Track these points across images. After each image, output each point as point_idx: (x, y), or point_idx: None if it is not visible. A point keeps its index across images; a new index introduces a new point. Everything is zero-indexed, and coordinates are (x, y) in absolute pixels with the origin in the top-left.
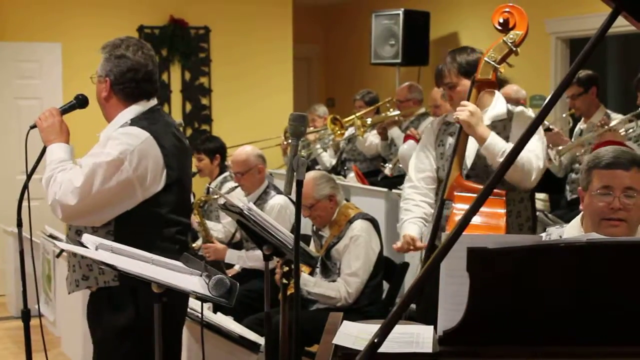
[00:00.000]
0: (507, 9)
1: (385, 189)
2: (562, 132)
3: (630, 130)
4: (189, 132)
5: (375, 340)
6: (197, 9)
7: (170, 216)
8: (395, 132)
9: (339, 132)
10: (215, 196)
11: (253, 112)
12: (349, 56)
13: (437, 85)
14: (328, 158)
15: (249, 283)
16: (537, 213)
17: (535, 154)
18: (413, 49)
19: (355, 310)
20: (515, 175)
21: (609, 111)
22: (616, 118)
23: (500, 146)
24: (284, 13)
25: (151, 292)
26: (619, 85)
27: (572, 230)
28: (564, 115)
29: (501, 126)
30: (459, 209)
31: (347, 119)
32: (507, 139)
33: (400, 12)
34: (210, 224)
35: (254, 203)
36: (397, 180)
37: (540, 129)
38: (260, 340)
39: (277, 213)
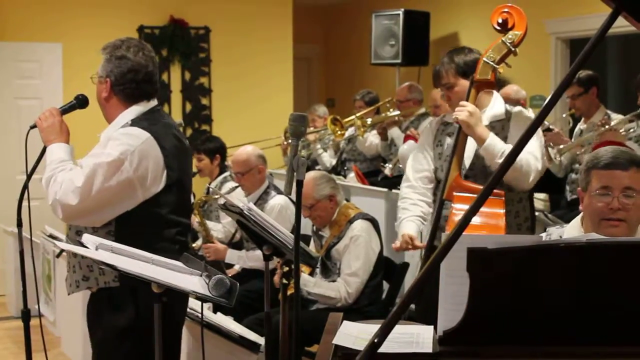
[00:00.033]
0: (505, 9)
1: (385, 189)
2: (562, 132)
3: (631, 130)
4: (189, 132)
5: (375, 340)
6: (197, 9)
7: (171, 216)
8: (395, 132)
9: (339, 132)
10: (216, 196)
11: (253, 112)
12: (349, 56)
13: (435, 85)
14: (328, 158)
15: (249, 283)
16: (537, 213)
17: (533, 156)
18: (413, 49)
19: (355, 310)
20: (514, 176)
21: (609, 111)
22: (616, 118)
23: (499, 147)
24: (284, 13)
25: (151, 292)
26: (619, 85)
27: (573, 231)
28: (564, 115)
29: (499, 126)
30: (458, 209)
31: (347, 119)
32: (505, 139)
33: (401, 12)
34: (210, 224)
35: (255, 203)
36: (397, 180)
37: (539, 130)
38: (260, 340)
39: (277, 213)
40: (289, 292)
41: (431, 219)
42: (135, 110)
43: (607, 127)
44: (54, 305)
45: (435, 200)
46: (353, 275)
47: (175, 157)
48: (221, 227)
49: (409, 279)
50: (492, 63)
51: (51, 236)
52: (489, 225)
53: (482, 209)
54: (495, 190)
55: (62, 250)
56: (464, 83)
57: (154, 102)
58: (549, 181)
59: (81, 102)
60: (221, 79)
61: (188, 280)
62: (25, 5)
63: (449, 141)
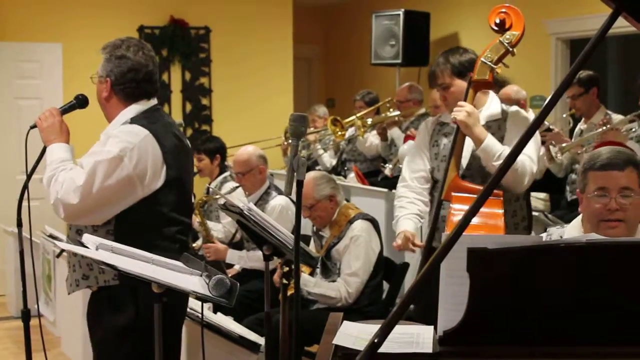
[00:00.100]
0: (503, 10)
1: (385, 189)
2: (562, 132)
3: (632, 130)
4: (189, 132)
5: (375, 341)
6: (197, 9)
7: (171, 215)
8: (395, 133)
9: (339, 133)
10: (216, 196)
11: (253, 113)
12: (349, 56)
13: (431, 86)
14: (328, 158)
15: (249, 283)
16: (538, 214)
17: (530, 158)
18: (413, 49)
19: (356, 311)
20: (510, 178)
21: (609, 112)
22: (616, 119)
23: (496, 149)
24: (284, 13)
25: (151, 292)
26: (619, 85)
27: (573, 231)
28: (564, 115)
29: (496, 126)
30: (457, 209)
31: (347, 120)
32: (501, 139)
33: (401, 12)
34: (210, 224)
35: (256, 204)
36: (397, 180)
37: (536, 132)
38: (260, 340)
39: (278, 214)
40: (289, 292)
41: (429, 220)
42: (135, 108)
43: (608, 126)
44: (54, 305)
45: (432, 201)
46: (353, 275)
47: (175, 155)
48: (221, 227)
49: (409, 279)
50: (489, 63)
51: (51, 236)
52: (488, 225)
53: (481, 209)
54: (494, 190)
55: (62, 250)
56: (460, 83)
57: (154, 101)
58: (549, 181)
59: (81, 102)
60: (221, 79)
61: (188, 280)
62: (25, 5)
63: (445, 141)
